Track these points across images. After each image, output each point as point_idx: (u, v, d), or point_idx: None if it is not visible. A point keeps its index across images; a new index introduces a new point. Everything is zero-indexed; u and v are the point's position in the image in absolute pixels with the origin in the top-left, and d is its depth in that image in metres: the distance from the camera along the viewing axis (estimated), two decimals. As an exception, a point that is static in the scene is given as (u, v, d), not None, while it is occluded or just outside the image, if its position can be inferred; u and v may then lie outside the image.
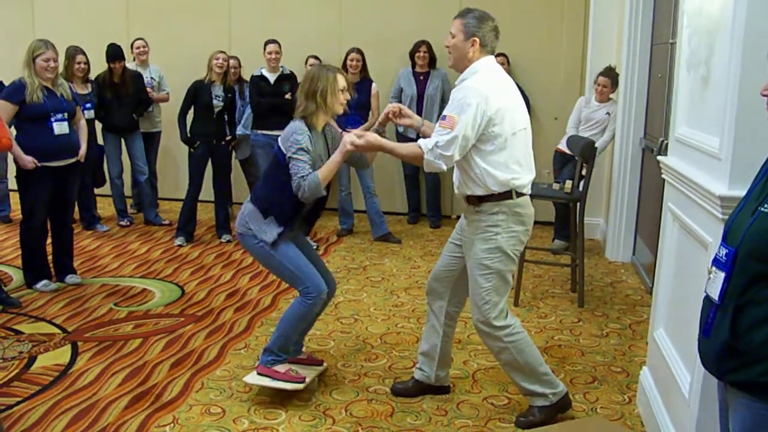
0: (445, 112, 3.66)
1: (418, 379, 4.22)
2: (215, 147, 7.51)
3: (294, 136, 3.91)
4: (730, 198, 2.75)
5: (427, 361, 4.18)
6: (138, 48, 8.45)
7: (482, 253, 3.76)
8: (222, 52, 7.40)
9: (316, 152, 4.01)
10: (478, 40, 3.69)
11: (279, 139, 4.01)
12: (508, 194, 3.73)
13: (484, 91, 3.61)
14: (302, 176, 3.88)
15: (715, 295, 2.16)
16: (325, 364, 4.49)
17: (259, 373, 4.11)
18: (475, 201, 3.78)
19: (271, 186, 4.06)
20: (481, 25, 3.70)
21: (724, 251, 2.15)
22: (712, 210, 2.92)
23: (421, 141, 3.71)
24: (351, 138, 3.86)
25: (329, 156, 4.09)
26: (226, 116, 7.53)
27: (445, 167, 3.68)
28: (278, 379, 4.05)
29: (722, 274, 2.14)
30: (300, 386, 4.07)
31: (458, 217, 8.72)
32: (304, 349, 4.61)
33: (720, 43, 3.01)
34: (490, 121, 3.61)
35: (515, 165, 3.73)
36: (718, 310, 2.15)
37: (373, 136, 3.87)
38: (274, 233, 3.98)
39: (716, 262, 2.19)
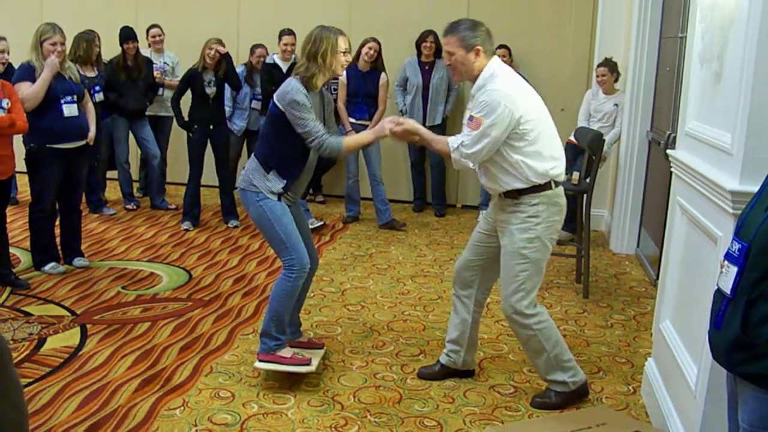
0: (472, 113, 3.74)
1: (444, 363, 4.30)
2: (213, 131, 7.55)
3: (291, 94, 3.92)
4: (741, 193, 2.78)
5: (456, 348, 4.26)
6: (154, 36, 8.48)
7: (521, 242, 3.82)
8: (217, 41, 7.40)
9: (313, 110, 4.03)
10: (480, 48, 3.77)
11: (275, 96, 4.02)
12: (547, 185, 3.81)
13: (510, 92, 3.70)
14: (323, 134, 3.94)
15: (727, 288, 2.19)
16: (325, 348, 4.55)
17: (262, 360, 4.13)
18: (514, 194, 3.83)
19: (270, 140, 4.09)
20: (476, 33, 3.79)
21: (736, 246, 2.18)
22: (723, 204, 2.95)
23: (450, 138, 3.84)
24: (390, 125, 3.98)
25: (324, 116, 4.18)
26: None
27: (472, 165, 3.80)
28: (286, 364, 4.09)
29: (735, 269, 2.17)
30: (311, 368, 4.12)
31: (463, 207, 8.90)
32: (311, 334, 4.68)
33: (734, 38, 3.03)
34: (519, 120, 3.68)
35: (550, 154, 3.82)
36: (730, 303, 2.18)
37: (410, 124, 4.00)
38: (278, 186, 4.03)
39: (729, 256, 2.22)
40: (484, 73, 3.80)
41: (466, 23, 3.82)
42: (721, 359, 2.24)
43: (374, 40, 7.87)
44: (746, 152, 2.82)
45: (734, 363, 2.18)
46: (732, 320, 2.16)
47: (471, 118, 3.74)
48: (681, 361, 3.45)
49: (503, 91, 3.69)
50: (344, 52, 4.05)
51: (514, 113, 3.66)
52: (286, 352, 4.13)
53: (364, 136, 4.23)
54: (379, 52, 7.90)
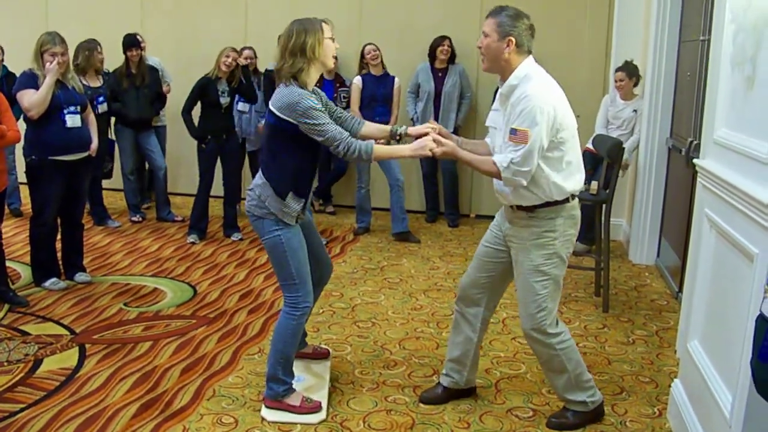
0: (513, 126, 3.46)
1: (447, 386, 4.08)
2: (225, 142, 7.36)
3: (302, 103, 3.59)
4: (780, 207, 2.57)
5: (458, 368, 4.05)
6: None
7: (540, 259, 3.61)
8: (234, 50, 7.21)
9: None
10: (513, 39, 3.50)
11: (274, 108, 3.70)
12: (565, 199, 3.60)
13: (549, 98, 3.45)
14: (347, 136, 3.64)
15: (773, 316, 1.98)
16: (331, 357, 4.41)
17: (268, 407, 3.89)
18: (529, 208, 3.62)
19: (281, 160, 3.77)
20: (516, 23, 3.52)
21: (784, 269, 1.97)
22: (760, 219, 2.72)
23: (496, 157, 3.56)
24: (431, 145, 3.67)
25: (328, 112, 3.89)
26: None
27: (525, 183, 3.51)
28: (295, 413, 3.84)
29: (782, 294, 1.96)
30: (322, 416, 3.85)
31: (477, 217, 8.69)
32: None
33: (769, 39, 2.82)
34: (559, 128, 3.46)
35: (576, 167, 3.61)
36: (777, 332, 1.97)
37: (451, 147, 3.70)
38: (298, 207, 3.78)
39: (774, 280, 2.00)
40: (518, 73, 3.54)
41: (510, 11, 3.55)
42: (769, 395, 2.02)
43: (370, 44, 7.78)
44: (786, 163, 2.60)
45: (784, 400, 1.97)
46: (780, 352, 1.94)
47: (514, 131, 3.45)
48: (713, 386, 3.22)
49: (542, 96, 3.43)
50: (332, 39, 3.77)
51: (557, 119, 3.44)
52: (295, 399, 3.88)
53: (401, 150, 3.84)
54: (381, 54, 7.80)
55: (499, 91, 3.66)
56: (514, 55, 3.54)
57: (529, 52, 3.60)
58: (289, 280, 3.82)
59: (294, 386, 3.95)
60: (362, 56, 7.76)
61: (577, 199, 3.70)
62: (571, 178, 3.58)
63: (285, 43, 3.73)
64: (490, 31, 3.54)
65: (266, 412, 3.87)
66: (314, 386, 4.11)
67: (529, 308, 3.68)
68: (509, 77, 3.56)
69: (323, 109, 3.72)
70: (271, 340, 3.95)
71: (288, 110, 3.65)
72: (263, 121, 7.77)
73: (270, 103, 3.77)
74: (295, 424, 3.77)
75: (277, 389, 3.88)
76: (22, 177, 5.52)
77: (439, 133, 3.83)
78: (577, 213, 3.71)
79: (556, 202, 3.58)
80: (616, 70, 7.04)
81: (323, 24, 3.75)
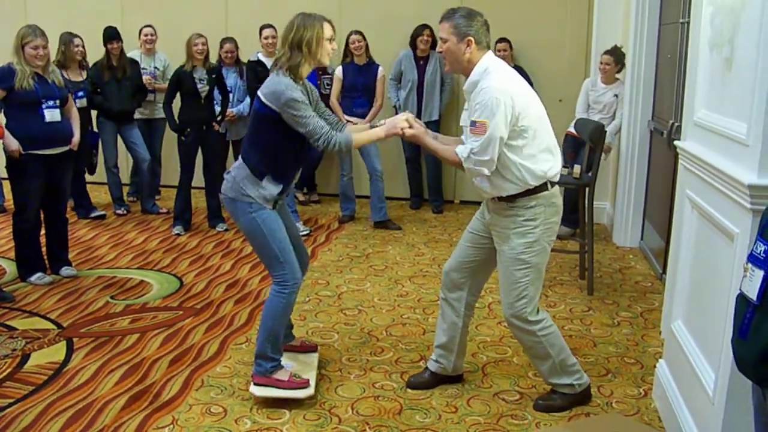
0: (472, 118, 3.53)
1: (434, 370, 4.12)
2: (206, 133, 7.33)
3: (287, 93, 3.64)
4: (759, 187, 2.60)
5: (446, 354, 4.08)
6: (146, 35, 8.25)
7: (520, 247, 3.64)
8: (200, 35, 7.18)
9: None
10: (472, 39, 3.57)
11: (261, 93, 3.75)
12: (543, 186, 3.62)
13: (507, 88, 3.49)
14: (328, 130, 3.69)
15: (752, 294, 2.00)
16: (318, 350, 4.41)
17: (257, 384, 3.91)
18: (510, 197, 3.65)
19: (261, 143, 3.81)
20: (471, 22, 3.58)
21: (762, 247, 1.99)
22: (739, 199, 2.75)
23: (457, 148, 3.64)
24: (402, 124, 3.77)
25: (313, 107, 3.89)
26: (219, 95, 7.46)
27: (488, 172, 3.56)
28: (284, 388, 3.87)
29: (761, 273, 1.98)
30: (310, 392, 3.89)
31: (461, 202, 8.71)
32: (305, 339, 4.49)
33: (747, 21, 2.83)
34: (519, 116, 3.49)
35: (547, 154, 3.63)
36: (757, 310, 1.99)
37: (421, 132, 3.80)
38: (275, 191, 3.80)
39: (753, 258, 2.02)
40: (477, 68, 3.60)
41: (462, 11, 3.61)
42: (749, 372, 2.05)
43: (356, 32, 7.72)
44: (764, 143, 2.62)
45: (764, 376, 1.99)
46: (760, 329, 1.97)
47: (474, 123, 3.52)
48: (696, 365, 3.26)
49: (499, 87, 3.48)
50: (330, 40, 3.81)
51: (514, 108, 3.47)
52: (283, 375, 3.91)
53: (377, 132, 3.89)
54: (367, 44, 7.73)
55: (463, 88, 3.72)
56: (475, 53, 3.60)
57: (488, 47, 3.65)
58: (273, 260, 3.85)
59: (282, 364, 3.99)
60: (346, 44, 7.74)
61: (557, 188, 3.73)
62: (543, 163, 3.60)
63: (285, 34, 3.79)
64: (448, 35, 3.61)
65: (254, 389, 3.90)
66: (301, 371, 4.11)
67: (510, 296, 3.72)
68: (471, 74, 3.62)
69: (307, 102, 3.75)
70: (261, 318, 3.97)
71: (273, 98, 3.70)
72: (234, 109, 7.81)
73: (259, 89, 3.80)
74: (284, 411, 3.79)
75: (266, 365, 3.90)
76: (4, 173, 5.49)
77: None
78: (558, 201, 3.74)
79: (535, 190, 3.61)
80: (604, 53, 7.04)
81: (325, 23, 3.78)
